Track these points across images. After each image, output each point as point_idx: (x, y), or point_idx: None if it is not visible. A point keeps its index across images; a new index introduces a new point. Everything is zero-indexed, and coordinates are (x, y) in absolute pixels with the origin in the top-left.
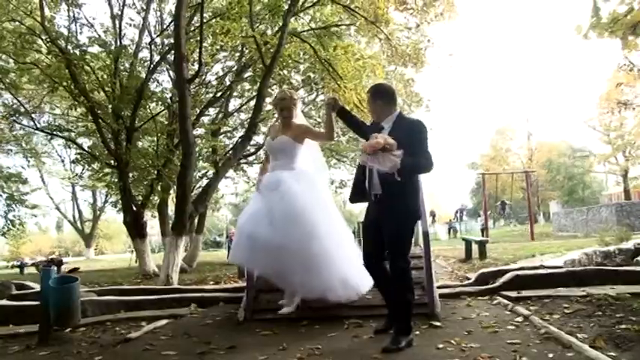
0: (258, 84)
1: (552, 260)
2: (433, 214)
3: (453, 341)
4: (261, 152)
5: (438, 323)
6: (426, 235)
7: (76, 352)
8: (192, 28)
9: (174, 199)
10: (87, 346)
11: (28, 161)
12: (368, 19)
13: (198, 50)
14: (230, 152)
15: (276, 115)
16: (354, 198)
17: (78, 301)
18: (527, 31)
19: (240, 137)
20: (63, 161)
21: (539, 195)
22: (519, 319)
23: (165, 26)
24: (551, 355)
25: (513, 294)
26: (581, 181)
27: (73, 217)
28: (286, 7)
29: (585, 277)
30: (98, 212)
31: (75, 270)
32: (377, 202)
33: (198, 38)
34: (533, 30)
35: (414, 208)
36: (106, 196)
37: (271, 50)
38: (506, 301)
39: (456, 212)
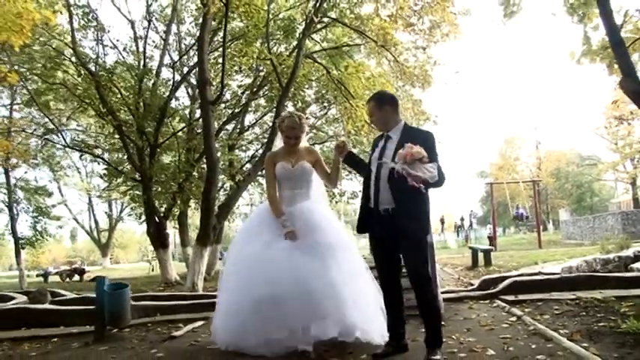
0: (276, 104)
1: (551, 267)
2: (442, 221)
3: (453, 336)
4: None
5: (441, 323)
6: (430, 245)
7: (130, 348)
8: (211, 50)
9: (200, 211)
10: (138, 343)
11: (55, 174)
12: (377, 43)
13: (219, 72)
14: (247, 165)
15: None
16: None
17: (129, 305)
18: (534, 42)
19: (258, 152)
20: (80, 173)
21: (549, 203)
22: (513, 318)
23: (184, 46)
24: (534, 346)
25: (511, 298)
26: (589, 189)
27: (90, 227)
28: (300, 28)
29: (578, 282)
30: (114, 222)
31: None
32: (389, 217)
33: (219, 60)
34: (540, 41)
35: (428, 218)
36: (122, 205)
37: (286, 70)
38: (503, 304)
39: (462, 218)
